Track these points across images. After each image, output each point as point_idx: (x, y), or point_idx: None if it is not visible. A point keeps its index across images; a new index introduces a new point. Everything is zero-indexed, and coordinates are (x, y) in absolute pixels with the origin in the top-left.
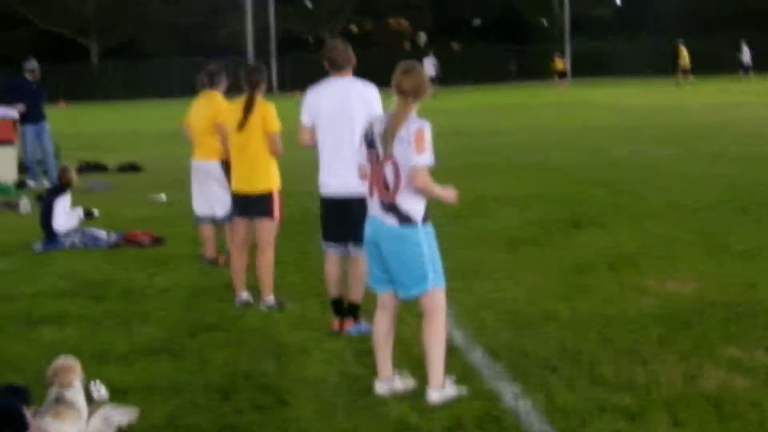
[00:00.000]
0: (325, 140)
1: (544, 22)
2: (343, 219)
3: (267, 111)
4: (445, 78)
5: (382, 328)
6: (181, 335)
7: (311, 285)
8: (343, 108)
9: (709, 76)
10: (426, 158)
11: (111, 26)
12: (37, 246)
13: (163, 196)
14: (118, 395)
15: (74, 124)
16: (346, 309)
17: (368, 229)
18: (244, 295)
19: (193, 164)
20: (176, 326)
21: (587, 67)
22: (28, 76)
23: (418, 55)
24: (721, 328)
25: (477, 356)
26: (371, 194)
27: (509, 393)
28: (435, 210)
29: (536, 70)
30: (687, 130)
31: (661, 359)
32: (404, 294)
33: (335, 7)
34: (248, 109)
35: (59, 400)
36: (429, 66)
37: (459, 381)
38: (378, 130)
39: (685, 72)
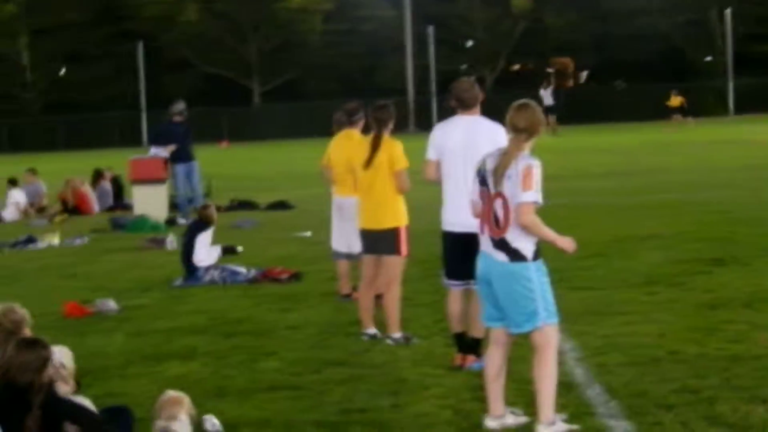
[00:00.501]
0: (449, 176)
1: (709, 58)
2: (465, 255)
3: (393, 148)
4: (608, 115)
5: (493, 364)
6: (305, 371)
7: (441, 323)
8: (469, 145)
9: None
10: (532, 195)
11: (273, 68)
12: (177, 282)
13: (308, 234)
14: (229, 430)
15: (233, 164)
16: (468, 344)
17: (480, 266)
18: (371, 330)
19: (334, 201)
20: (301, 362)
21: (752, 104)
22: (176, 118)
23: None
24: None
25: (595, 393)
26: (482, 231)
27: (621, 431)
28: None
29: (699, 107)
30: None
31: None
32: (515, 330)
33: (496, 47)
34: (375, 146)
35: None
36: (547, 97)
37: (573, 418)
38: (490, 167)
39: None
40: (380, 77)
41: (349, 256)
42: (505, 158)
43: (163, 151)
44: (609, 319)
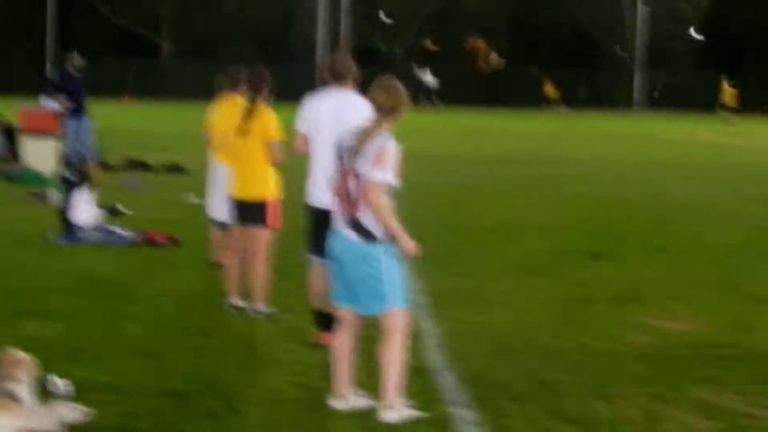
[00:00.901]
0: (315, 150)
1: (618, 49)
2: (328, 231)
3: (267, 118)
4: (520, 100)
5: (340, 345)
6: (163, 338)
7: (307, 298)
8: (337, 119)
9: None
10: (383, 174)
11: (184, 26)
12: (55, 239)
13: (194, 198)
14: (80, 393)
15: (133, 121)
16: (327, 321)
17: (332, 243)
18: (237, 300)
19: (211, 167)
20: (162, 328)
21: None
22: (73, 71)
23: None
24: (701, 369)
25: (447, 381)
26: (336, 207)
27: (464, 420)
28: (457, 235)
29: (605, 97)
30: (739, 171)
31: (629, 398)
32: (364, 311)
33: (408, 22)
34: (248, 114)
35: (2, 393)
36: (426, 76)
37: (421, 404)
38: (348, 143)
39: (725, 109)
40: (293, 45)
41: (223, 225)
42: (363, 136)
43: (54, 103)
44: (477, 306)
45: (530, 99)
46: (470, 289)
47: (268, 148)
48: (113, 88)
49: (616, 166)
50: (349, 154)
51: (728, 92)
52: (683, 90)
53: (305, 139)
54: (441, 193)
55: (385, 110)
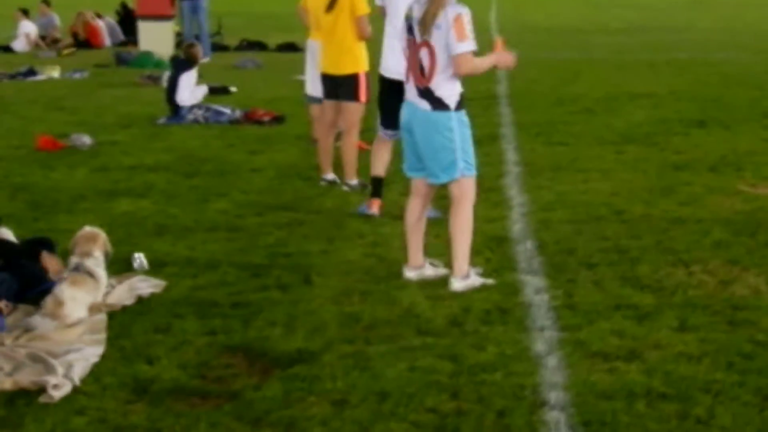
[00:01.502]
0: (390, 21)
1: None
2: (399, 103)
3: None
4: None
5: (413, 214)
6: (249, 213)
7: (400, 173)
8: None
9: None
10: (468, 44)
11: None
12: (161, 120)
13: (303, 76)
14: (159, 267)
15: (254, 2)
16: (378, 189)
17: (404, 114)
18: (330, 175)
19: (308, 44)
20: (250, 204)
21: None
22: None
23: None
24: None
25: (524, 249)
26: (407, 79)
27: (534, 287)
28: (564, 107)
29: None
30: None
31: (706, 263)
32: (433, 180)
33: None
34: None
35: (78, 269)
36: None
37: (493, 272)
38: (417, 14)
39: None
40: None
41: (320, 101)
42: (432, 6)
43: None
44: (570, 175)
45: None
46: (566, 158)
47: (357, 22)
48: None
49: (744, 35)
50: (420, 25)
51: None
52: None
53: (382, 11)
54: (558, 65)
55: None
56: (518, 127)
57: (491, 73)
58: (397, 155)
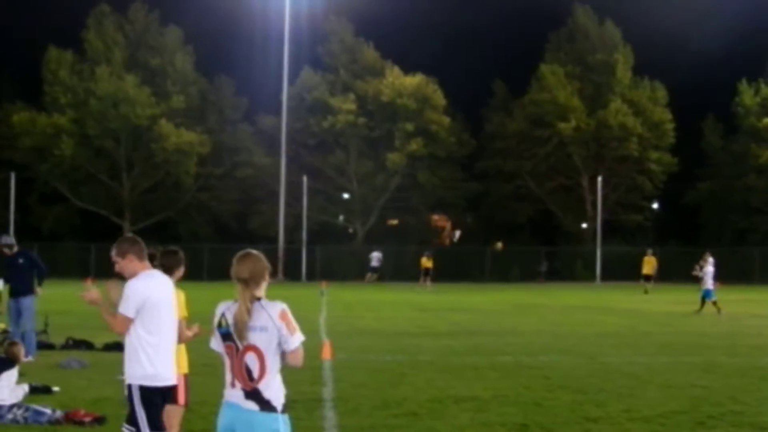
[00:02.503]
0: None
1: (584, 225)
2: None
3: (176, 297)
4: (481, 275)
5: None
6: None
7: None
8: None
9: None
10: (300, 336)
11: (145, 207)
12: None
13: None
14: None
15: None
16: None
17: (225, 417)
18: None
19: None
20: None
21: (618, 271)
22: (5, 250)
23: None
24: None
25: None
26: (233, 384)
27: None
28: (389, 410)
29: (568, 272)
30: (693, 340)
31: None
32: None
33: (371, 201)
34: None
35: None
36: (375, 259)
37: None
38: (230, 320)
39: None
40: (252, 224)
41: None
42: (242, 310)
43: None
44: None
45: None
46: None
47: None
48: (78, 270)
49: (567, 337)
50: (237, 331)
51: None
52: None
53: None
54: (384, 368)
55: (250, 280)
56: (342, 431)
57: (317, 375)
58: None
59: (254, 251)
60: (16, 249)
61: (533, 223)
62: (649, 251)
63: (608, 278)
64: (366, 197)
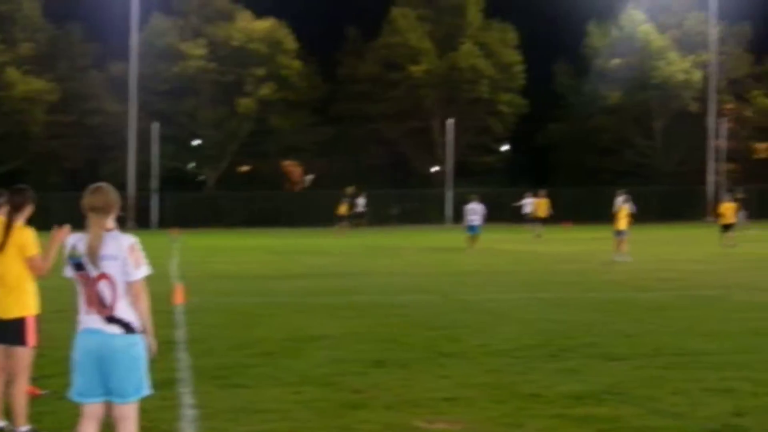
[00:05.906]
0: None
1: (434, 168)
2: None
3: (24, 235)
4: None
5: None
6: None
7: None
8: None
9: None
10: (145, 270)
11: None
12: None
13: None
14: None
15: None
16: None
17: (88, 342)
18: (1, 422)
19: None
20: None
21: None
22: None
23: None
24: None
25: None
26: (88, 312)
27: None
28: (244, 350)
29: (420, 214)
30: (547, 278)
31: None
32: (120, 400)
33: (221, 147)
34: (5, 233)
35: None
36: (360, 204)
37: None
38: (83, 250)
39: (535, 220)
40: (103, 171)
41: None
42: (95, 240)
43: None
44: (248, 416)
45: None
46: (245, 400)
47: (29, 262)
48: None
49: (421, 278)
50: (90, 260)
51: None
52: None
53: None
54: (239, 310)
55: (102, 210)
56: (196, 372)
57: (170, 318)
58: None
59: (105, 183)
60: None
61: (386, 167)
62: (542, 192)
63: (460, 220)
64: (218, 143)
